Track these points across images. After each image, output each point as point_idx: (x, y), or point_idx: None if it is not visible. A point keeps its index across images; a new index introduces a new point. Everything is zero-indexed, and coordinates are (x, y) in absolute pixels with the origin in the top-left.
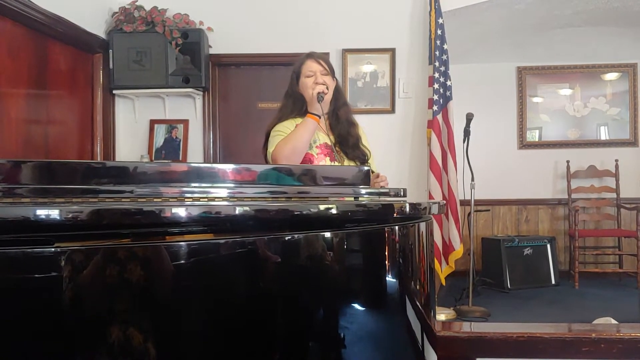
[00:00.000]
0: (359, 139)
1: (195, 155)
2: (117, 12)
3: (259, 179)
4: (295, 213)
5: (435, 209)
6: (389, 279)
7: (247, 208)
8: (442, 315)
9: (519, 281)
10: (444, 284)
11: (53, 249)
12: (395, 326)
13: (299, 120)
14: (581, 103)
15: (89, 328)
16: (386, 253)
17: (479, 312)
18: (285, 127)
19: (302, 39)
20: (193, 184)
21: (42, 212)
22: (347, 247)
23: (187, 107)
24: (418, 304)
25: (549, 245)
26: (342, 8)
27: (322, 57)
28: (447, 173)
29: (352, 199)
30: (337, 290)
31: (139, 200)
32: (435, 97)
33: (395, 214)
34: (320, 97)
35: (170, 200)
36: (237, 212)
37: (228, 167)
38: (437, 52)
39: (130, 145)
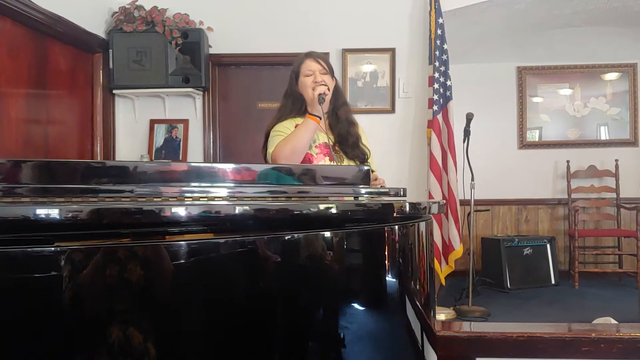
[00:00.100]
0: (359, 139)
1: (195, 155)
2: (117, 12)
3: (259, 178)
4: (295, 212)
5: (435, 209)
6: (389, 278)
7: (247, 207)
8: (441, 315)
9: (519, 281)
10: (443, 283)
11: (53, 249)
12: (395, 326)
13: (298, 120)
14: (581, 103)
15: (89, 328)
16: (386, 253)
17: (479, 312)
18: (285, 127)
19: (302, 38)
20: (193, 184)
21: (42, 212)
22: (347, 246)
23: (187, 106)
24: (418, 303)
25: (548, 245)
26: (342, 8)
27: (321, 57)
28: (447, 173)
29: (352, 198)
30: (337, 290)
31: (139, 199)
32: (435, 97)
33: (395, 214)
34: (321, 98)
35: (170, 199)
36: (237, 211)
37: (228, 167)
38: (437, 52)
39: (130, 145)
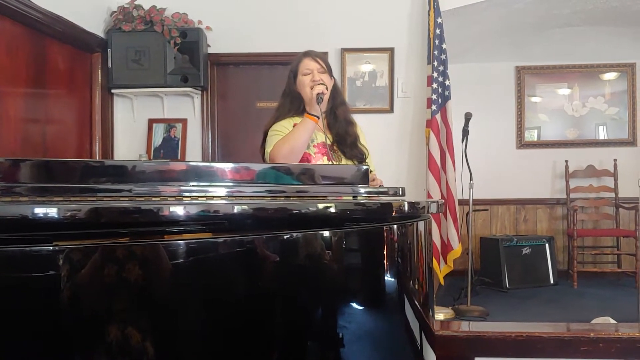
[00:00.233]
0: (357, 138)
1: (193, 154)
2: (115, 11)
3: (258, 178)
4: (294, 212)
5: (433, 208)
6: (388, 278)
7: (245, 207)
8: (440, 314)
9: (518, 281)
10: (442, 283)
11: (51, 248)
12: (394, 325)
13: (296, 119)
14: (580, 103)
15: (87, 327)
16: (385, 252)
17: (478, 312)
18: (283, 127)
19: (300, 38)
20: (191, 183)
21: (40, 211)
22: (346, 246)
23: (185, 106)
24: (416, 303)
25: (547, 245)
26: (341, 7)
27: (320, 55)
28: (446, 172)
29: (351, 198)
30: (335, 289)
31: (137, 199)
32: (434, 96)
33: (393, 213)
34: (319, 98)
35: (169, 199)
36: (235, 210)
37: (226, 166)
38: (435, 52)
39: (128, 144)
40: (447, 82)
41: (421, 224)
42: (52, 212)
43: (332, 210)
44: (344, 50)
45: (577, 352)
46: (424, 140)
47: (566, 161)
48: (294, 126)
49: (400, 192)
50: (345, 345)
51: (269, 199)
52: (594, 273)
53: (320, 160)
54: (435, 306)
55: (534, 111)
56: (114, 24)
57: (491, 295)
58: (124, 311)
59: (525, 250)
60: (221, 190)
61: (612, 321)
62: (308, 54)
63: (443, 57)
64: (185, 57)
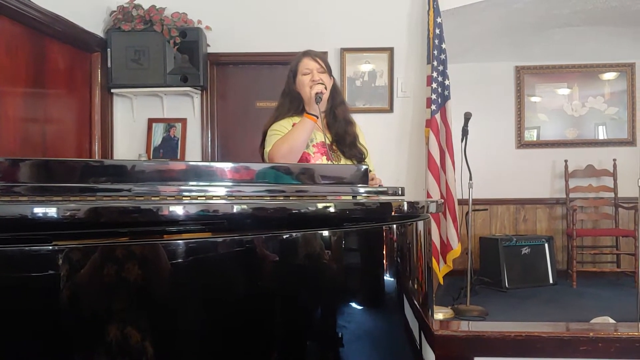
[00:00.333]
0: (356, 138)
1: (193, 154)
2: (115, 11)
3: (257, 177)
4: (294, 211)
5: (433, 208)
6: (387, 277)
7: (245, 206)
8: (439, 314)
9: (517, 280)
10: (441, 283)
11: (51, 247)
12: (393, 325)
13: (296, 119)
14: (579, 102)
15: (87, 327)
16: (384, 252)
17: (477, 312)
18: (282, 127)
19: (300, 38)
20: (191, 183)
21: (39, 210)
22: (345, 245)
23: (185, 106)
24: (416, 302)
25: (546, 245)
26: (341, 7)
27: (319, 55)
28: (445, 172)
29: (350, 197)
30: (335, 289)
31: (137, 198)
32: (434, 96)
33: (393, 213)
34: (318, 97)
35: (168, 198)
36: (235, 210)
37: (226, 166)
38: (435, 52)
39: (128, 144)
40: (446, 82)
41: (420, 224)
42: (52, 211)
43: (332, 210)
44: (344, 50)
45: (577, 351)
46: (424, 140)
47: (566, 161)
48: (293, 126)
49: (400, 192)
50: (344, 345)
51: (269, 198)
52: (593, 273)
53: (319, 159)
54: (434, 306)
55: (533, 111)
56: (113, 23)
57: (490, 295)
58: (124, 311)
59: (525, 250)
60: (221, 190)
61: (612, 321)
62: (307, 53)
63: (443, 56)
64: (185, 56)
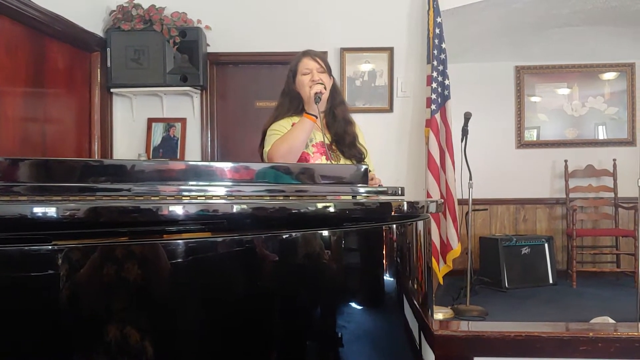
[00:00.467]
0: (356, 138)
1: (193, 153)
2: (114, 11)
3: (257, 177)
4: (293, 211)
5: (433, 208)
6: (387, 277)
7: (244, 206)
8: (439, 314)
9: (517, 280)
10: (441, 283)
11: (50, 247)
12: (393, 325)
13: (295, 118)
14: (579, 102)
15: (86, 326)
16: (384, 252)
17: (477, 311)
18: (282, 126)
19: (300, 37)
20: (191, 182)
21: (39, 210)
22: (345, 245)
23: (184, 105)
24: (416, 302)
25: (546, 245)
26: (341, 7)
27: (319, 55)
28: (445, 172)
29: (350, 197)
30: (334, 289)
31: (137, 198)
32: (434, 96)
33: (393, 213)
34: (317, 97)
35: (168, 198)
36: (234, 210)
37: (226, 166)
38: (435, 51)
39: (127, 143)
40: (446, 82)
41: (420, 224)
42: (51, 211)
43: (332, 209)
44: (344, 50)
45: (576, 351)
46: (424, 139)
47: (565, 161)
48: (292, 126)
49: (400, 192)
50: (344, 345)
51: (268, 198)
52: (593, 273)
53: (318, 159)
54: (434, 306)
55: (533, 111)
56: (113, 23)
57: (490, 295)
58: (123, 310)
59: (525, 250)
60: (220, 189)
61: (611, 321)
62: (307, 53)
63: (442, 56)
64: (185, 56)
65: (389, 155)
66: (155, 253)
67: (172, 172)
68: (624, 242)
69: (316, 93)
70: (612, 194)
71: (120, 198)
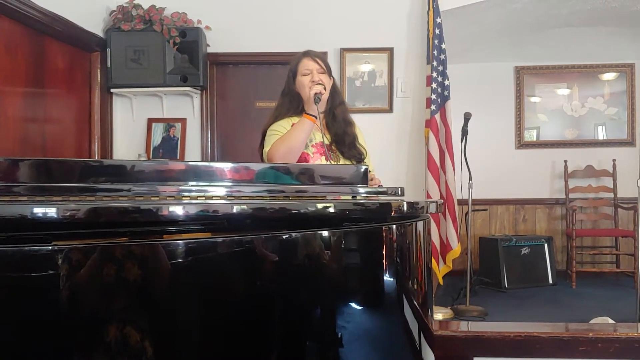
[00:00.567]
0: (355, 138)
1: (193, 154)
2: (115, 11)
3: (257, 177)
4: (293, 212)
5: (432, 208)
6: (387, 278)
7: (244, 207)
8: (439, 314)
9: (517, 281)
10: (441, 283)
11: (50, 247)
12: (393, 325)
13: (295, 119)
14: (579, 103)
15: (86, 327)
16: (384, 252)
17: (477, 312)
18: (282, 127)
19: (300, 38)
20: (191, 183)
21: (39, 210)
22: (345, 246)
23: (184, 105)
24: (415, 303)
25: (546, 245)
26: (340, 7)
27: (319, 55)
28: (445, 172)
29: (350, 198)
30: (334, 289)
31: (137, 198)
32: (433, 96)
33: (392, 213)
34: (317, 98)
35: (168, 198)
36: (234, 210)
37: (226, 166)
38: (435, 52)
39: (127, 143)
40: (446, 82)
41: (420, 224)
42: (51, 211)
43: (331, 210)
44: (343, 50)
45: (576, 352)
46: (423, 140)
47: (565, 161)
48: (292, 126)
49: (399, 192)
50: (344, 345)
51: (268, 198)
52: (592, 273)
53: (318, 160)
54: (434, 306)
55: (533, 111)
56: (113, 23)
57: (490, 295)
58: (123, 311)
59: (524, 250)
60: (220, 190)
61: (611, 321)
62: (307, 54)
63: (442, 57)
64: (185, 56)
65: (389, 155)
66: (155, 253)
67: (172, 172)
68: (623, 242)
69: (316, 93)
70: (611, 195)
71: (120, 198)
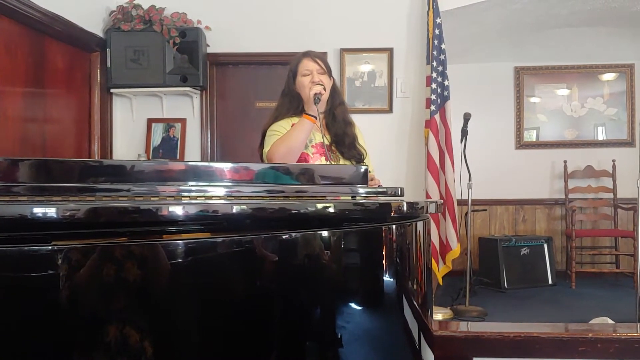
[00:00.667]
0: (355, 139)
1: (192, 154)
2: (114, 11)
3: (257, 177)
4: (293, 212)
5: (432, 208)
6: (386, 278)
7: (244, 207)
8: (439, 314)
9: (516, 281)
10: (441, 283)
11: (50, 247)
12: (392, 325)
13: (295, 119)
14: (578, 103)
15: (86, 327)
16: (383, 252)
17: (476, 312)
18: (281, 127)
19: (300, 38)
20: (190, 183)
21: (39, 210)
22: (345, 246)
23: (184, 106)
24: (415, 303)
25: (546, 245)
26: (340, 8)
27: (319, 56)
28: (445, 173)
29: (350, 198)
30: (334, 289)
31: (136, 198)
32: (433, 96)
33: (392, 213)
34: (317, 98)
35: (168, 198)
36: (234, 210)
37: (225, 166)
38: (434, 52)
39: (127, 144)
40: (446, 83)
41: (420, 224)
42: (51, 211)
43: (331, 210)
44: (343, 51)
45: (575, 352)
46: (423, 140)
47: (565, 161)
48: (292, 126)
49: (399, 193)
50: (343, 346)
51: (268, 199)
52: (592, 273)
53: (318, 160)
54: (433, 306)
55: (532, 111)
56: (113, 23)
57: (489, 295)
58: (123, 311)
59: (524, 251)
60: (220, 190)
61: (610, 321)
62: (308, 54)
63: (442, 57)
64: (185, 56)
65: (389, 156)
66: (155, 253)
67: (171, 172)
68: (623, 242)
69: (316, 94)
70: (611, 195)
71: (120, 198)
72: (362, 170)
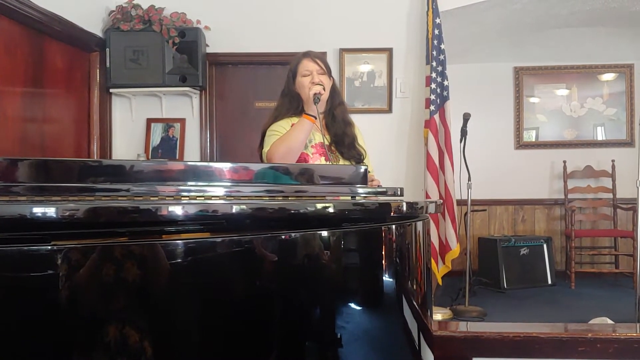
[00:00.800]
0: (355, 139)
1: (192, 154)
2: (114, 11)
3: (256, 177)
4: (293, 212)
5: (432, 208)
6: (386, 278)
7: (244, 207)
8: (438, 315)
9: (516, 281)
10: (440, 283)
11: (49, 247)
12: (392, 325)
13: (295, 119)
14: (578, 103)
15: (86, 327)
16: (383, 252)
17: (476, 312)
18: (281, 127)
19: (299, 38)
20: (190, 183)
21: (38, 210)
22: (344, 246)
23: (184, 106)
24: (415, 303)
25: (545, 245)
26: (340, 8)
27: (319, 56)
28: (444, 173)
29: (350, 198)
30: (333, 289)
31: (136, 198)
32: (433, 97)
33: (392, 213)
34: (316, 98)
35: (167, 198)
36: (234, 210)
37: (225, 166)
38: (434, 52)
39: (126, 144)
40: (445, 83)
41: (419, 224)
42: (51, 211)
43: (331, 210)
44: (343, 51)
45: (575, 352)
46: (423, 140)
47: (564, 162)
48: (292, 126)
49: (399, 193)
50: (343, 346)
51: (268, 198)
52: (591, 273)
53: (317, 160)
54: (433, 306)
55: (532, 112)
56: (112, 23)
57: (489, 295)
58: (122, 311)
59: (523, 251)
60: (219, 190)
61: (610, 322)
62: (307, 54)
63: (442, 57)
64: (184, 56)
65: (388, 156)
66: (155, 253)
67: (171, 172)
68: (622, 242)
69: (315, 94)
70: (610, 195)
71: (119, 198)
72: (362, 170)
